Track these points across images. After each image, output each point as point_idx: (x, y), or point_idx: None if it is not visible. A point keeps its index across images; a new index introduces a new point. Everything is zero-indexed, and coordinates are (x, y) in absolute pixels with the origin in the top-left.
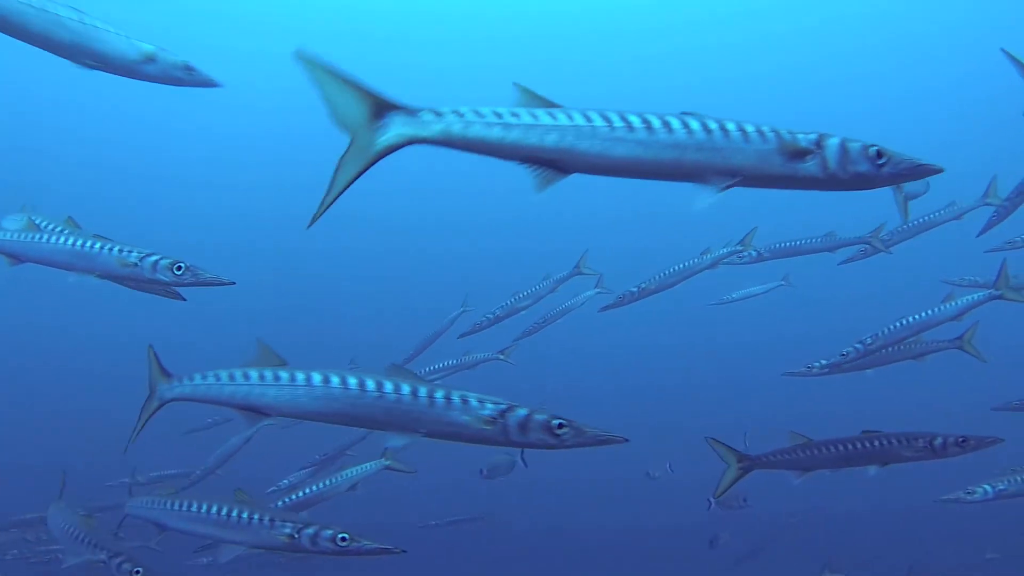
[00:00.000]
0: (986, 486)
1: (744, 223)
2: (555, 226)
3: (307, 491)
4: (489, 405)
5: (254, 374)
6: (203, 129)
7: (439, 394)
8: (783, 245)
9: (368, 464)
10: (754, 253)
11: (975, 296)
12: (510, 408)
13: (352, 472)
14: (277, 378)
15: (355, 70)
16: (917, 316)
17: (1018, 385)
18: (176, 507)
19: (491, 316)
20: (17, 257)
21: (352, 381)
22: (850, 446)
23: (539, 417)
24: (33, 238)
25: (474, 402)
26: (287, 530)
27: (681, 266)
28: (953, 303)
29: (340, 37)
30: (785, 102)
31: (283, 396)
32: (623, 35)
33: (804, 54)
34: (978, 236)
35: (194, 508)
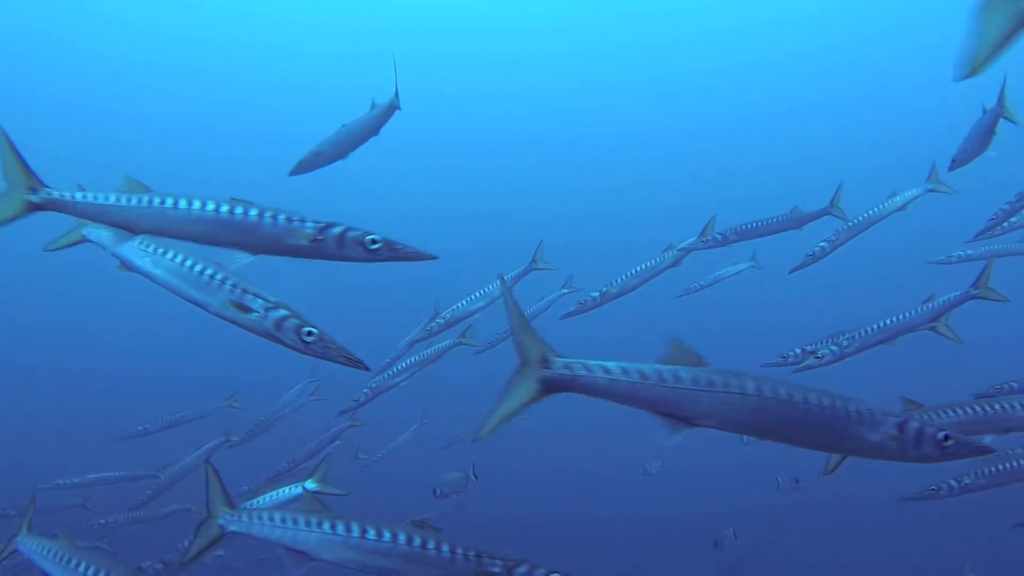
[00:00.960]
0: (951, 481)
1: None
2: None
3: None
4: (890, 419)
5: (685, 375)
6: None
7: (839, 403)
8: (748, 226)
9: (287, 488)
10: (718, 237)
11: (952, 296)
12: (906, 421)
13: (268, 498)
14: (711, 383)
15: None
16: (895, 319)
17: (993, 372)
18: (329, 530)
19: (442, 321)
20: (133, 231)
21: (767, 387)
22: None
23: (930, 430)
24: (161, 203)
25: (878, 414)
26: (496, 569)
27: (644, 266)
28: (931, 304)
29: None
30: (790, 89)
31: (716, 405)
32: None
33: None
34: (972, 240)
35: (355, 533)
